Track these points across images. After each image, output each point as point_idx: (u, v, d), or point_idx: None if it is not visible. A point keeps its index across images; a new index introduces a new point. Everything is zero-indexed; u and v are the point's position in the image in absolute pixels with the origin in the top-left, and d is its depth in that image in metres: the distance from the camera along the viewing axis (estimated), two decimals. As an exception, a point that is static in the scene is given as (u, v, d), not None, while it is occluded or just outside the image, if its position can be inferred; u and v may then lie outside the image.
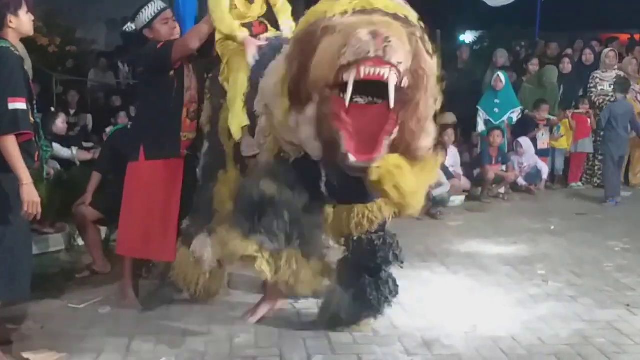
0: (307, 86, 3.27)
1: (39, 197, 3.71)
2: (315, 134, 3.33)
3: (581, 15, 14.16)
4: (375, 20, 3.11)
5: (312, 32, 3.27)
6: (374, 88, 3.20)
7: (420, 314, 4.67)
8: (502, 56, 10.58)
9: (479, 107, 9.45)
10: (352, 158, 3.17)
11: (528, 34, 12.48)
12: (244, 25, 4.27)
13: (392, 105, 3.16)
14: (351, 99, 3.17)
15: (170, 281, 4.65)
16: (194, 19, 5.08)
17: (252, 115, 4.00)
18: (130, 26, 4.67)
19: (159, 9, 4.57)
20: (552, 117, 9.71)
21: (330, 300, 4.16)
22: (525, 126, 9.69)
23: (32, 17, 3.88)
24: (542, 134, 9.77)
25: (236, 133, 4.13)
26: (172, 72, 4.48)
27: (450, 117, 9.55)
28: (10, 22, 3.75)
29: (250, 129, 4.05)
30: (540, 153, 9.60)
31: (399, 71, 3.09)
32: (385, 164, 3.23)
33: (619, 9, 14.03)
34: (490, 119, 9.30)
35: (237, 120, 4.12)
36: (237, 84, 4.14)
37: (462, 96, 10.21)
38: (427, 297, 5.03)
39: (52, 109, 8.07)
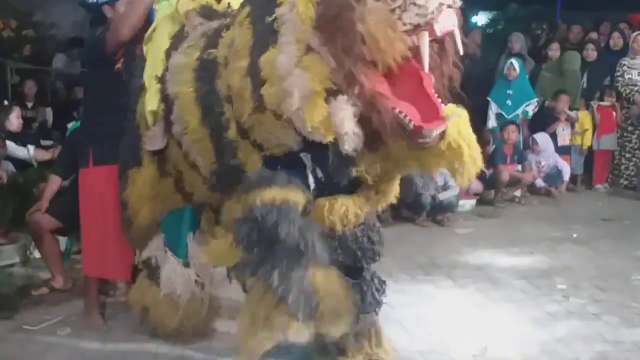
0: (358, 74, 3.08)
1: None
2: (356, 121, 3.17)
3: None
4: None
5: (342, 9, 3.07)
6: None
7: (423, 334, 4.65)
8: (518, 41, 10.54)
9: (489, 99, 9.47)
10: (429, 128, 3.04)
11: (548, 16, 12.48)
12: None
13: (461, 50, 3.19)
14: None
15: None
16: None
17: (167, 99, 3.91)
18: None
19: None
20: (571, 113, 9.70)
21: None
22: (543, 120, 9.71)
23: None
24: (563, 129, 9.77)
25: (150, 119, 4.02)
26: (118, 65, 4.41)
27: (458, 110, 9.57)
28: None
29: (165, 116, 3.96)
30: (561, 150, 9.60)
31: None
32: (454, 119, 3.21)
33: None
34: (503, 112, 9.32)
35: (149, 103, 4.03)
36: (156, 59, 4.06)
37: (473, 86, 10.19)
38: (431, 315, 5.01)
39: (6, 102, 8.06)
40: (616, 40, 10.47)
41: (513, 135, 8.99)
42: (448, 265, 6.23)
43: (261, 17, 3.42)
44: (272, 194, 3.36)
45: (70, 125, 7.36)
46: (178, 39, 4.03)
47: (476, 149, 3.33)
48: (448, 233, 7.54)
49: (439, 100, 3.12)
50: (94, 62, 4.51)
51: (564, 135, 9.74)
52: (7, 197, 5.83)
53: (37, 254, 5.78)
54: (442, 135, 3.12)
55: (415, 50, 2.99)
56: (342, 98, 3.13)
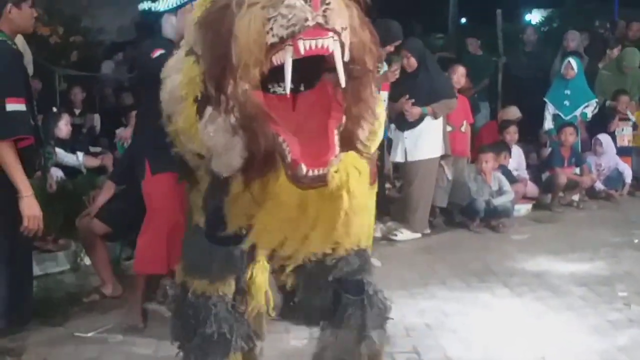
0: (225, 81, 2.84)
1: (40, 210, 3.78)
2: (230, 143, 2.94)
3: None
4: None
5: (221, 10, 2.87)
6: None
7: (478, 343, 4.63)
8: (574, 39, 10.46)
9: (546, 100, 9.39)
10: (304, 168, 2.72)
11: (605, 13, 12.37)
12: None
13: (343, 83, 2.77)
14: (268, 89, 2.89)
15: None
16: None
17: None
18: (148, 4, 4.54)
19: None
20: (632, 117, 9.57)
21: (324, 344, 3.76)
22: (603, 121, 9.59)
23: (35, 13, 3.98)
24: (623, 129, 9.64)
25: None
26: None
27: (513, 112, 9.54)
28: (10, 12, 3.83)
29: None
30: (622, 152, 9.47)
31: (341, 41, 2.74)
32: (344, 165, 2.88)
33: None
34: (560, 114, 9.23)
35: None
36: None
37: (529, 86, 10.22)
38: (486, 323, 4.99)
39: (55, 109, 8.20)
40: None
41: (571, 137, 8.90)
42: (504, 272, 6.19)
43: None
44: (203, 287, 3.45)
45: (119, 132, 7.50)
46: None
47: (360, 213, 3.07)
48: (503, 239, 7.50)
49: (336, 142, 2.79)
50: (150, 83, 4.59)
51: (624, 136, 9.61)
52: (57, 204, 5.92)
53: (87, 261, 5.86)
54: (324, 180, 2.76)
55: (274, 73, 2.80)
56: (210, 111, 2.94)
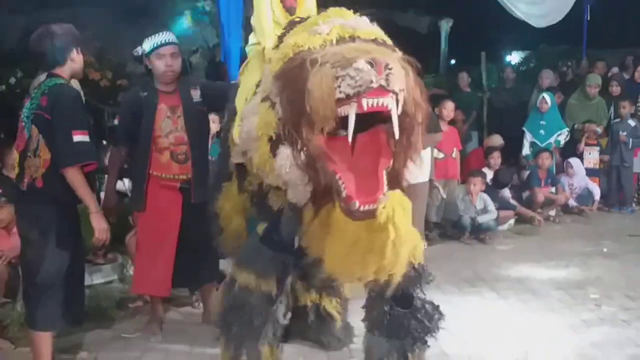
0: (300, 127, 2.91)
1: (107, 224, 3.80)
2: (302, 177, 3.01)
3: (631, 32, 13.92)
4: (368, 48, 2.83)
5: (298, 67, 2.94)
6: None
7: (471, 340, 4.60)
8: (547, 77, 10.47)
9: (525, 129, 9.39)
10: (357, 204, 2.79)
11: (575, 54, 12.35)
12: None
13: (397, 135, 2.85)
14: (336, 133, 2.90)
15: None
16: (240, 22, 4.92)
17: None
18: (137, 50, 4.61)
19: (159, 43, 4.47)
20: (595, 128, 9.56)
21: (373, 348, 3.66)
22: (574, 146, 9.56)
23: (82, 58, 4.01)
24: (590, 153, 9.60)
25: (236, 136, 3.91)
26: (140, 126, 4.49)
27: (497, 140, 9.54)
28: (74, 58, 3.88)
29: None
30: (590, 173, 9.42)
31: (398, 99, 2.81)
32: (391, 203, 2.84)
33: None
34: (537, 141, 9.22)
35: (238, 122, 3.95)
36: (247, 86, 3.98)
37: (509, 117, 10.20)
38: (478, 323, 4.96)
39: (104, 141, 8.24)
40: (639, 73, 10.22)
41: (547, 161, 8.90)
42: (491, 278, 6.15)
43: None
44: (248, 280, 3.47)
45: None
46: None
47: (406, 243, 2.96)
48: (490, 249, 7.45)
49: (385, 181, 2.88)
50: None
51: (592, 159, 9.57)
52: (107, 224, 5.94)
53: (132, 272, 5.83)
54: (373, 215, 2.80)
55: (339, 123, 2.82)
56: (284, 149, 3.00)
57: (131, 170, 4.73)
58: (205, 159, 4.71)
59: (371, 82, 2.69)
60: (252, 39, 4.22)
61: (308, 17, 3.54)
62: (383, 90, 2.72)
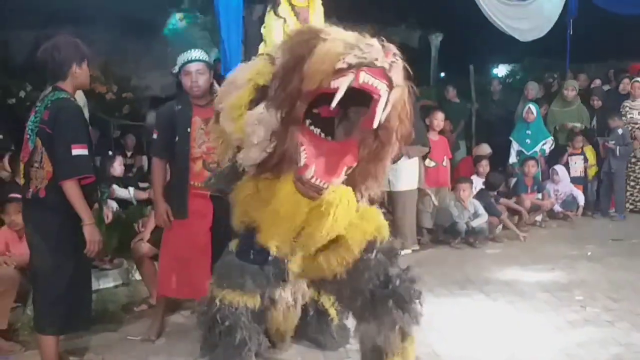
0: (291, 85, 2.87)
1: (100, 235, 3.79)
2: (264, 139, 2.97)
3: (612, 46, 13.99)
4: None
5: (309, 34, 2.94)
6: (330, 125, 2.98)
7: (461, 341, 4.60)
8: (532, 88, 10.50)
9: (511, 139, 9.42)
10: (311, 173, 2.87)
11: (559, 66, 12.38)
12: None
13: (375, 124, 2.77)
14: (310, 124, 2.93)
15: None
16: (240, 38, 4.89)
17: None
18: (175, 67, 4.63)
19: (186, 60, 4.52)
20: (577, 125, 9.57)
21: (364, 334, 3.66)
22: (558, 154, 9.59)
23: (89, 72, 4.00)
24: (575, 162, 9.63)
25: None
26: (175, 138, 4.50)
27: (485, 149, 9.55)
28: (75, 72, 3.87)
29: None
30: (576, 180, 9.44)
31: (389, 97, 2.76)
32: (339, 191, 2.98)
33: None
34: (523, 150, 9.25)
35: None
36: None
37: (497, 127, 10.23)
38: (467, 324, 4.95)
39: (110, 152, 8.25)
40: (625, 85, 10.15)
41: (533, 169, 8.91)
42: (480, 281, 6.15)
43: None
44: (233, 298, 3.39)
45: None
46: None
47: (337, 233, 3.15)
48: (479, 254, 7.45)
49: (342, 175, 2.96)
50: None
51: (577, 168, 9.59)
52: (112, 231, 5.95)
53: (137, 276, 5.85)
54: (320, 191, 2.92)
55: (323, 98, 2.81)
56: (263, 104, 2.97)
57: (171, 180, 4.67)
58: None
59: (376, 59, 2.67)
60: (261, 48, 4.30)
61: None
62: (383, 73, 2.69)
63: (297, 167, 2.89)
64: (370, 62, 2.66)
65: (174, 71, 4.63)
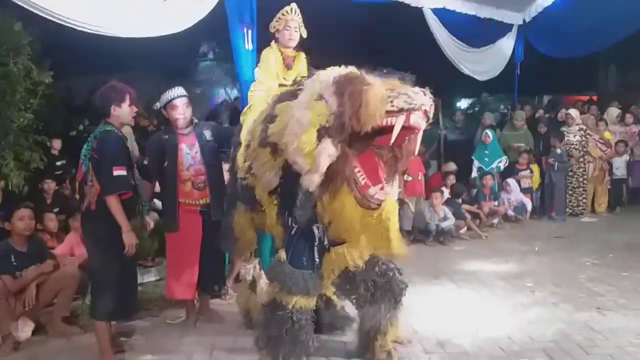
0: (349, 124, 2.92)
1: (136, 240, 3.75)
2: (324, 166, 2.99)
3: (549, 82, 14.06)
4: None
5: (355, 78, 2.97)
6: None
7: (435, 320, 4.58)
8: (488, 117, 10.51)
9: (473, 158, 9.40)
10: (373, 190, 3.00)
11: (509, 99, 12.41)
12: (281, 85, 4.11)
13: (416, 151, 3.08)
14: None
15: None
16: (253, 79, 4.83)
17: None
18: (157, 104, 4.49)
19: (173, 96, 4.36)
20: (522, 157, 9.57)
21: (365, 317, 3.68)
22: (511, 170, 9.56)
23: (135, 109, 3.93)
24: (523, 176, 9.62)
25: (241, 162, 3.86)
26: (165, 163, 4.36)
27: (452, 166, 9.53)
28: (114, 110, 3.83)
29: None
30: (524, 191, 9.40)
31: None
32: (391, 201, 3.09)
33: (579, 76, 13.95)
34: (482, 167, 9.22)
35: (242, 152, 3.87)
36: (249, 123, 3.93)
37: (461, 149, 10.23)
38: (440, 307, 4.93)
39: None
40: (562, 114, 10.19)
41: (490, 182, 8.88)
42: (450, 272, 6.11)
43: (286, 92, 3.40)
44: (302, 302, 3.33)
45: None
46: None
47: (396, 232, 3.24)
48: (448, 250, 7.42)
49: (386, 180, 3.11)
50: None
51: (525, 180, 9.55)
52: (154, 236, 5.91)
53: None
54: (381, 204, 3.03)
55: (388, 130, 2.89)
56: (329, 140, 2.96)
57: (163, 199, 4.60)
58: (221, 184, 4.49)
59: (423, 104, 2.81)
60: (252, 87, 4.23)
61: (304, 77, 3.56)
62: (426, 114, 2.85)
63: (357, 185, 3.00)
64: (418, 106, 2.81)
65: (156, 107, 4.49)
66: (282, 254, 3.47)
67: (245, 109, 4.19)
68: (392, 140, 2.88)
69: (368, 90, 2.85)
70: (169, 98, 4.38)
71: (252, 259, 4.21)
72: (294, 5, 4.25)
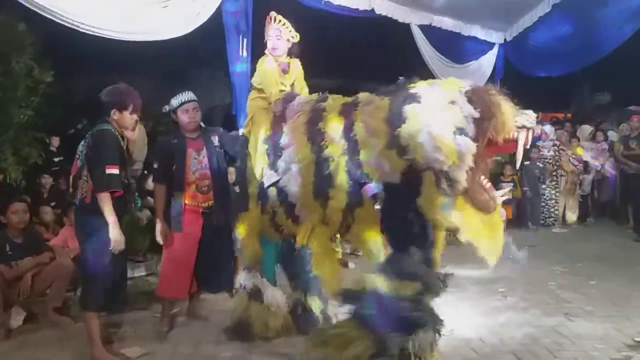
0: (491, 131, 3.00)
1: (122, 236, 3.67)
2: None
3: (528, 98, 14.21)
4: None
5: (489, 90, 3.10)
6: None
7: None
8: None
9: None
10: (499, 193, 3.26)
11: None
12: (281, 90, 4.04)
13: (518, 165, 3.49)
14: None
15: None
16: (248, 86, 4.67)
17: (274, 153, 3.77)
18: (165, 107, 4.45)
19: (183, 100, 4.31)
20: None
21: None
22: (494, 182, 9.59)
23: (136, 117, 3.84)
24: (505, 187, 9.66)
25: (259, 174, 3.88)
26: (173, 166, 4.29)
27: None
28: (114, 114, 3.77)
29: (271, 165, 3.80)
30: (503, 202, 9.41)
31: None
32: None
33: (555, 94, 14.11)
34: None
35: (259, 162, 3.87)
36: (257, 135, 3.90)
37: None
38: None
39: (145, 172, 8.19)
40: (538, 130, 10.35)
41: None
42: (427, 275, 6.11)
43: (394, 93, 3.29)
44: (410, 288, 3.46)
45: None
46: (276, 121, 3.84)
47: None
48: (427, 254, 7.41)
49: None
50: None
51: (505, 192, 9.56)
52: (146, 232, 5.87)
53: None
54: (496, 206, 3.26)
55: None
56: (465, 138, 2.99)
57: (170, 200, 4.50)
58: (225, 189, 4.45)
59: (534, 124, 3.02)
60: (252, 95, 4.12)
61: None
62: (532, 132, 3.06)
63: (487, 189, 3.19)
64: (534, 125, 3.02)
65: (165, 111, 4.43)
66: (379, 254, 3.58)
67: (247, 120, 4.10)
68: (518, 163, 3.21)
69: (505, 104, 3.01)
70: (180, 102, 4.33)
71: (255, 271, 4.12)
72: (272, 14, 4.11)
